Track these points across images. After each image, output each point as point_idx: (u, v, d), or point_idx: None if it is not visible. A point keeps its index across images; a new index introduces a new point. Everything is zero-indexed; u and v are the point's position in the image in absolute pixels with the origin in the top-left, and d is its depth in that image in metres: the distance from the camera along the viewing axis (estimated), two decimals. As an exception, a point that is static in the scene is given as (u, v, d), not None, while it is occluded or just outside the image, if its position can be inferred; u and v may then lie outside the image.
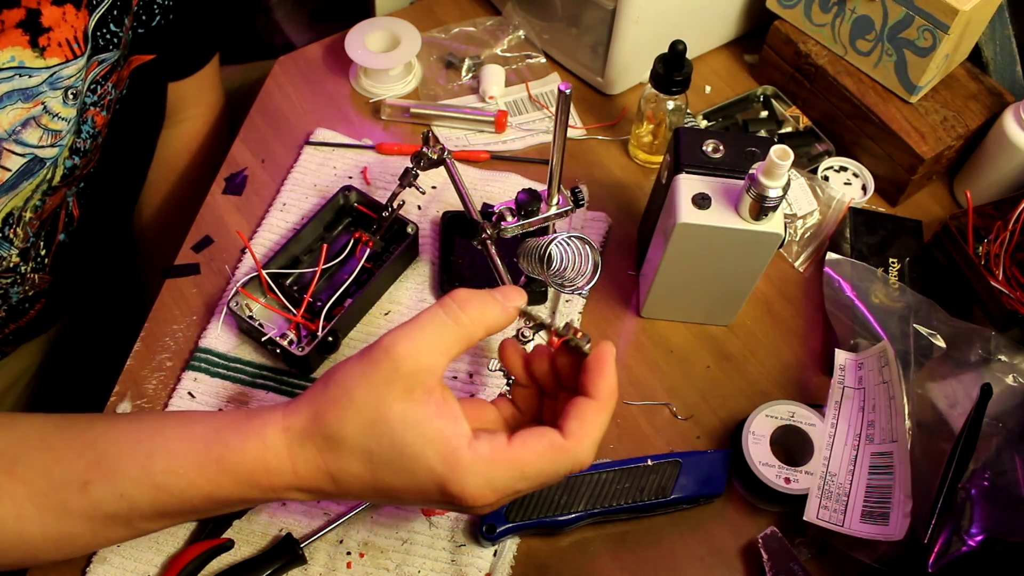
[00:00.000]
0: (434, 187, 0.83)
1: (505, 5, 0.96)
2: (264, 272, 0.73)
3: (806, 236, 0.82)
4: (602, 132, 0.90)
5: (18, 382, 0.90)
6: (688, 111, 0.85)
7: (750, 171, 0.61)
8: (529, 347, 0.66)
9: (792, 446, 0.69)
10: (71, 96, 0.63)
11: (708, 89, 0.94)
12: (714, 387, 0.74)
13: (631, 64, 0.88)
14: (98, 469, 0.50)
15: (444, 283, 0.76)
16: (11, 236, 0.70)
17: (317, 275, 0.75)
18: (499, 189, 0.84)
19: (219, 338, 0.73)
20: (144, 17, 0.72)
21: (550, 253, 0.64)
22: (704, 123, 0.89)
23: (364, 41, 0.89)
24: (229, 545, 0.63)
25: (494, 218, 0.68)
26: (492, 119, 0.88)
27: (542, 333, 0.52)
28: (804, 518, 0.63)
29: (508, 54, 0.94)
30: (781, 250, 0.82)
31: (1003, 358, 0.69)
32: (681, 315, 0.77)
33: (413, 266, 0.79)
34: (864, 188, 0.85)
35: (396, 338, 0.46)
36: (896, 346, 0.68)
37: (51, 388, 0.94)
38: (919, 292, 0.74)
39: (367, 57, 0.88)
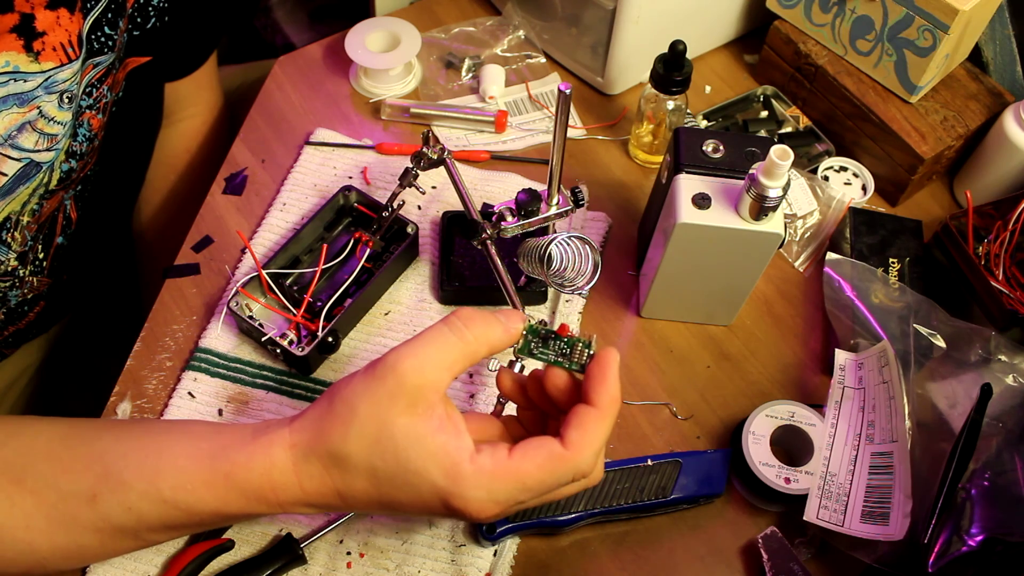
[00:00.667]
0: (434, 187, 0.83)
1: (505, 5, 0.96)
2: (264, 272, 0.73)
3: (806, 236, 0.82)
4: (602, 132, 0.90)
5: (17, 382, 0.90)
6: (688, 111, 0.85)
7: (750, 171, 0.61)
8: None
9: (792, 446, 0.69)
10: (66, 100, 0.63)
11: (708, 89, 0.94)
12: (714, 387, 0.74)
13: (631, 64, 0.88)
14: (107, 483, 0.51)
15: (444, 283, 0.76)
16: (9, 240, 0.70)
17: (317, 275, 0.75)
18: (499, 189, 0.84)
19: (219, 338, 0.73)
20: (139, 20, 0.72)
21: (550, 253, 0.64)
22: (704, 123, 0.89)
23: (364, 41, 0.89)
24: (229, 545, 0.64)
25: (494, 218, 0.68)
26: (492, 119, 0.88)
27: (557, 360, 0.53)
28: (804, 518, 0.63)
29: (508, 54, 0.94)
30: (781, 250, 0.82)
31: (1003, 358, 0.69)
32: (681, 315, 0.77)
33: (413, 266, 0.79)
34: (864, 188, 0.85)
35: (401, 354, 0.47)
36: (896, 346, 0.68)
37: (51, 388, 0.94)
38: (919, 292, 0.74)
39: (367, 57, 0.88)
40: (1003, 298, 0.72)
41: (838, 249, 0.80)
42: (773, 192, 0.61)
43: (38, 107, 0.62)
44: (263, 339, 0.70)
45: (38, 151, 0.63)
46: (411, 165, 0.71)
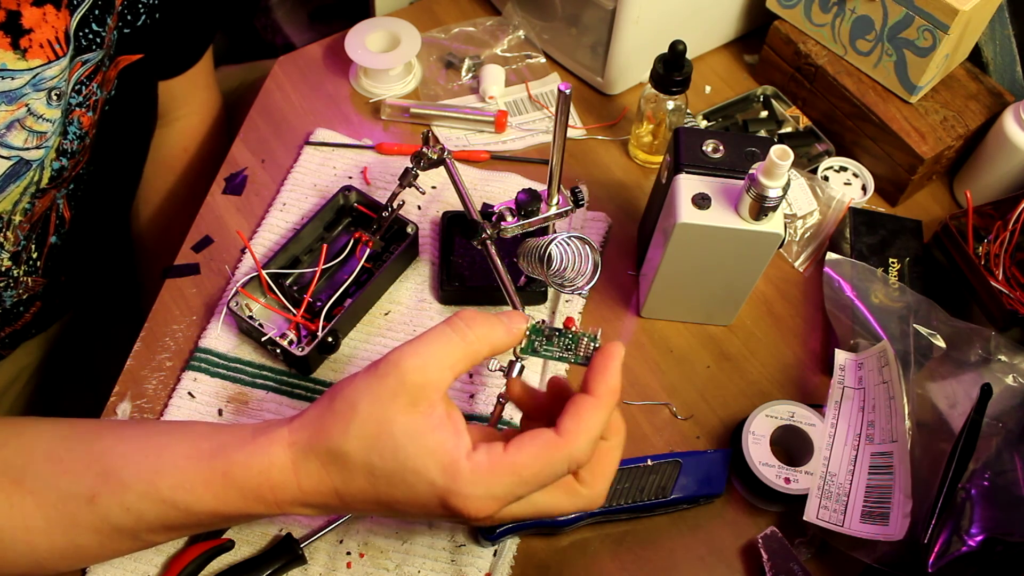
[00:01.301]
0: (434, 187, 0.83)
1: (505, 5, 0.96)
2: (264, 272, 0.73)
3: (806, 236, 0.82)
4: (602, 132, 0.90)
5: (16, 381, 0.90)
6: (688, 111, 0.85)
7: (750, 171, 0.61)
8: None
9: (792, 446, 0.69)
10: (55, 97, 0.63)
11: (708, 89, 0.94)
12: (714, 387, 0.74)
13: (631, 64, 0.88)
14: (106, 483, 0.51)
15: (444, 283, 0.76)
16: (1, 240, 0.70)
17: (317, 275, 0.75)
18: (499, 189, 0.84)
19: (219, 338, 0.73)
20: (129, 17, 0.72)
21: (550, 253, 0.64)
22: (704, 123, 0.89)
23: (364, 41, 0.89)
24: (229, 546, 0.63)
25: (494, 218, 0.68)
26: (492, 119, 0.88)
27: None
28: (804, 518, 0.63)
29: (508, 54, 0.94)
30: (781, 250, 0.82)
31: (1003, 358, 0.69)
32: (681, 315, 0.77)
33: (413, 266, 0.79)
34: (864, 188, 0.85)
35: (404, 353, 0.47)
36: (896, 346, 0.68)
37: (50, 388, 0.94)
38: (919, 292, 0.74)
39: (367, 57, 0.88)
40: (1003, 298, 0.72)
41: (838, 249, 0.80)
42: (773, 192, 0.61)
43: (26, 104, 0.61)
44: (263, 339, 0.70)
45: (27, 149, 0.63)
46: (411, 165, 0.71)
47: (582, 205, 0.68)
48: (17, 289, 0.77)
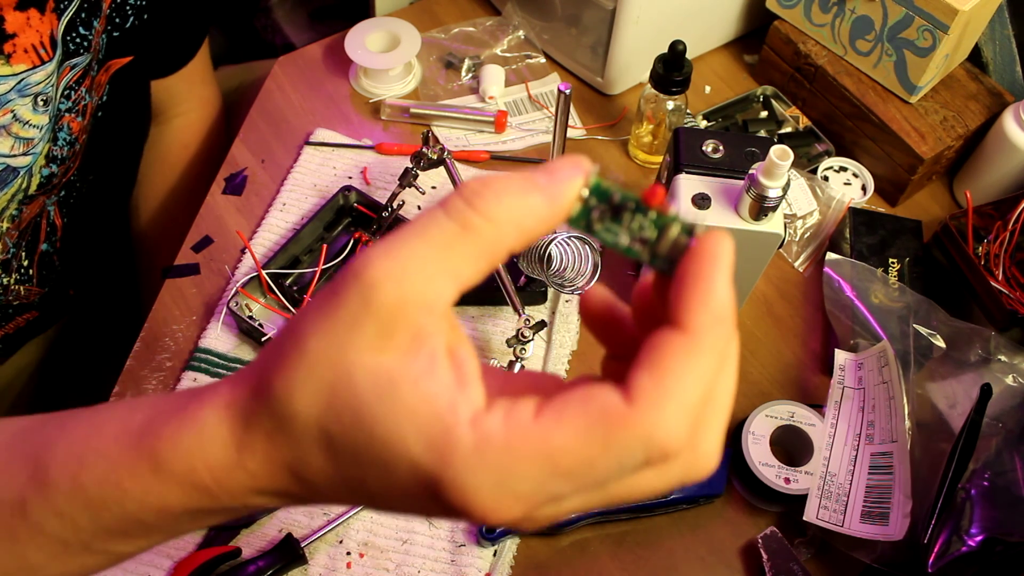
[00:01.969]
0: (434, 187, 0.83)
1: (505, 5, 0.96)
2: (264, 272, 0.73)
3: (806, 236, 0.82)
4: (602, 132, 0.90)
5: (16, 381, 0.90)
6: (688, 111, 0.85)
7: (750, 171, 0.62)
8: (529, 348, 0.66)
9: (792, 446, 0.69)
10: (41, 103, 0.62)
11: (708, 89, 0.94)
12: (714, 387, 0.74)
13: (631, 64, 0.88)
14: (33, 485, 0.37)
15: (444, 283, 0.76)
16: None
17: (317, 275, 0.75)
18: (499, 189, 0.84)
19: (219, 338, 0.73)
20: (118, 19, 0.71)
21: (550, 253, 0.64)
22: (704, 123, 0.89)
23: (364, 41, 0.89)
24: (236, 553, 0.63)
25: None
26: (492, 119, 0.88)
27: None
28: (804, 518, 0.63)
29: (508, 54, 0.94)
30: (781, 250, 0.82)
31: (1003, 358, 0.69)
32: (681, 315, 0.77)
33: (413, 266, 0.79)
34: (864, 188, 0.85)
35: (372, 255, 0.28)
36: (896, 346, 0.68)
37: (50, 388, 0.94)
38: (919, 292, 0.74)
39: (367, 57, 0.88)
40: (1003, 298, 0.72)
41: (838, 249, 0.80)
42: (773, 192, 0.61)
43: (12, 111, 0.61)
44: (263, 339, 0.70)
45: (14, 156, 0.62)
46: (411, 165, 0.71)
47: (582, 205, 0.69)
48: (7, 296, 0.76)
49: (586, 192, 0.29)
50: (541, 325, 0.66)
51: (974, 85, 0.84)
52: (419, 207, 0.82)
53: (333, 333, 0.29)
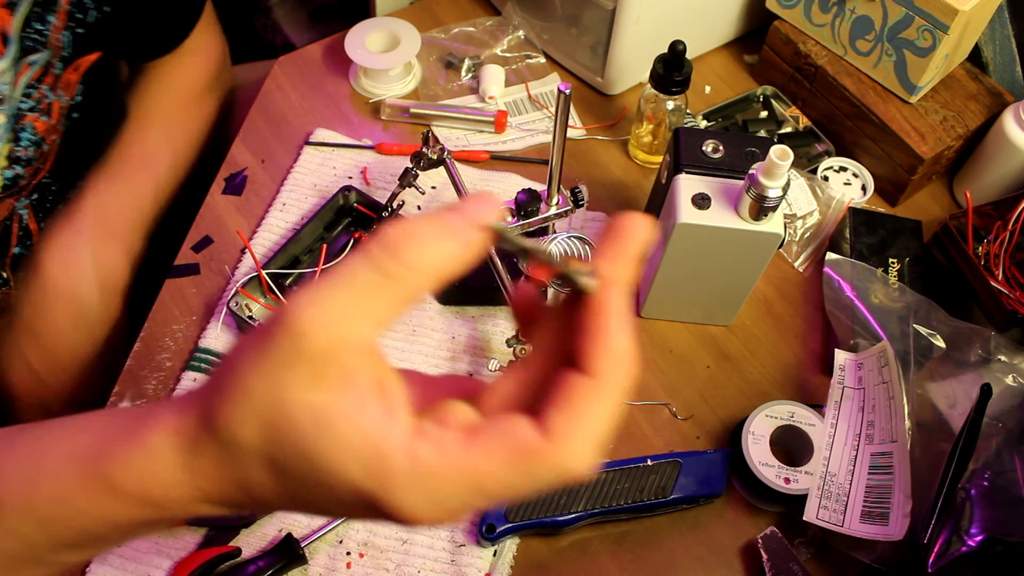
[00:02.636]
0: (434, 187, 0.83)
1: (505, 5, 0.96)
2: (264, 272, 0.73)
3: (806, 236, 0.82)
4: (602, 132, 0.90)
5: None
6: (688, 111, 0.85)
7: (750, 171, 0.62)
8: (528, 348, 0.66)
9: (792, 446, 0.69)
10: None
11: (708, 89, 0.94)
12: (714, 387, 0.74)
13: (631, 64, 0.88)
14: None
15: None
16: None
17: (317, 275, 0.75)
18: (499, 189, 0.84)
19: (219, 338, 0.73)
20: (79, 15, 0.69)
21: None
22: (704, 123, 0.89)
23: (364, 41, 0.89)
24: (236, 553, 0.63)
25: (494, 218, 0.68)
26: (492, 119, 0.88)
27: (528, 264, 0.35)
28: (804, 518, 0.63)
29: (508, 54, 0.94)
30: (781, 250, 0.82)
31: (1003, 358, 0.69)
32: (681, 315, 0.77)
33: (413, 266, 0.79)
34: (864, 188, 0.85)
35: (298, 303, 0.32)
36: (896, 346, 0.69)
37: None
38: (919, 292, 0.74)
39: (367, 57, 0.88)
40: (1003, 298, 0.72)
41: (838, 249, 0.80)
42: (773, 192, 0.61)
43: None
44: (263, 339, 0.70)
45: None
46: (411, 165, 0.71)
47: (582, 205, 0.69)
48: None
49: (496, 229, 0.33)
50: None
51: (974, 85, 0.84)
52: (419, 207, 0.82)
53: (270, 373, 0.32)
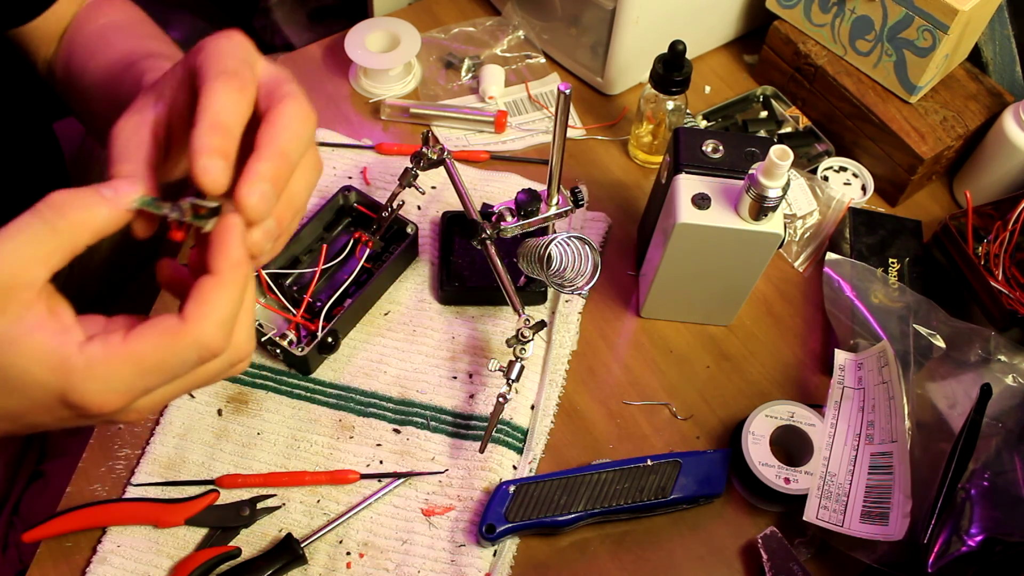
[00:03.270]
0: (434, 187, 0.83)
1: (505, 5, 0.96)
2: (264, 272, 0.73)
3: (806, 236, 0.82)
4: (602, 132, 0.90)
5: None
6: (688, 111, 0.85)
7: (750, 171, 0.62)
8: (528, 348, 0.66)
9: (792, 446, 0.69)
10: None
11: (708, 89, 0.94)
12: (714, 387, 0.74)
13: (631, 64, 0.88)
14: None
15: (444, 283, 0.76)
16: None
17: (317, 275, 0.75)
18: (499, 189, 0.84)
19: (219, 338, 0.73)
20: None
21: (550, 253, 0.64)
22: (704, 123, 0.89)
23: (364, 41, 0.89)
24: (236, 553, 0.64)
25: (494, 218, 0.68)
26: (492, 119, 0.88)
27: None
28: (804, 518, 0.63)
29: (508, 54, 0.94)
30: (781, 250, 0.82)
31: (1003, 358, 0.69)
32: (681, 315, 0.77)
33: (413, 266, 0.79)
34: (864, 188, 0.85)
35: None
36: (896, 346, 0.69)
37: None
38: (919, 292, 0.74)
39: (367, 57, 0.88)
40: (1003, 298, 0.72)
41: (838, 249, 0.80)
42: (773, 192, 0.61)
43: None
44: (263, 339, 0.70)
45: None
46: (411, 165, 0.71)
47: (582, 205, 0.69)
48: None
49: (137, 205, 0.43)
50: (541, 325, 0.66)
51: (974, 85, 0.84)
52: (419, 207, 0.82)
53: None
